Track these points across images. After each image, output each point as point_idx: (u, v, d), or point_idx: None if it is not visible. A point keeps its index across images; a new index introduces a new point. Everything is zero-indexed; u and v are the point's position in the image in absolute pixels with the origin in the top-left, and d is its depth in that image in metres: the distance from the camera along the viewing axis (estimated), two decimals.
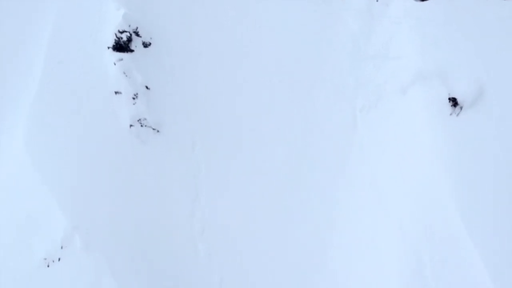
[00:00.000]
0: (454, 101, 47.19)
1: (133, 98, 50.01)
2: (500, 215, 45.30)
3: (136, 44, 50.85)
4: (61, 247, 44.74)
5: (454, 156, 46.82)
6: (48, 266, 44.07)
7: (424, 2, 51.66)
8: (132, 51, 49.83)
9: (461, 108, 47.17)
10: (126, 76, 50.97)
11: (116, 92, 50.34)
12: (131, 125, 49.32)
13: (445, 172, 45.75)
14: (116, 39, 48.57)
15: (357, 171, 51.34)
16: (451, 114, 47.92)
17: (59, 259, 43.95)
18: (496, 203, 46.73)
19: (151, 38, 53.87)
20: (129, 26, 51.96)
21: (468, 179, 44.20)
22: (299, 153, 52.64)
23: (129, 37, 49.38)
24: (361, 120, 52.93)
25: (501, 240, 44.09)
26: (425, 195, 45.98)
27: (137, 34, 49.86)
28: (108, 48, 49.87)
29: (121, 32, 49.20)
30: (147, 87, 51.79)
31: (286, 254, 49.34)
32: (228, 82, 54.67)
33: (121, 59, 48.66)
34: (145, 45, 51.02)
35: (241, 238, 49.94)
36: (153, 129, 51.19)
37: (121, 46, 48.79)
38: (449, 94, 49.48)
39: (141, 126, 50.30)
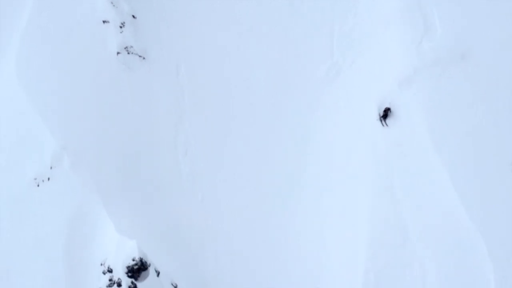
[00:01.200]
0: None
1: (120, 27, 51.00)
2: (468, 137, 46.61)
3: None
4: (51, 167, 46.20)
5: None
6: (38, 185, 45.61)
7: None
8: None
9: None
10: (114, 6, 51.83)
11: (104, 21, 51.26)
12: (118, 53, 50.42)
13: (417, 94, 46.91)
14: None
15: (332, 96, 52.35)
16: None
17: (48, 179, 45.45)
18: (465, 126, 48.09)
19: None
20: None
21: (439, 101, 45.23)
22: (279, 76, 53.48)
23: None
24: (337, 44, 53.84)
25: (467, 157, 45.46)
26: (398, 117, 47.22)
27: None
28: None
29: None
30: (133, 16, 52.66)
31: (267, 172, 50.66)
32: (212, 12, 55.27)
33: None
34: None
35: (223, 158, 51.27)
36: (139, 56, 52.27)
37: None
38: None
39: (128, 53, 51.38)
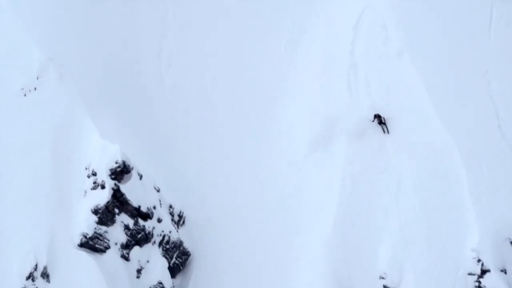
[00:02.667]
0: None
1: None
2: (443, 47, 46.85)
3: None
4: (37, 78, 46.32)
5: None
6: (25, 95, 45.69)
7: None
8: None
9: None
10: None
11: None
12: None
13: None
14: None
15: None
16: None
17: (35, 89, 45.53)
18: (440, 37, 48.30)
19: None
20: None
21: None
22: None
23: None
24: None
25: (443, 67, 45.85)
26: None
27: None
28: None
29: None
30: None
31: (248, 84, 50.97)
32: None
33: None
34: None
35: (205, 72, 51.50)
36: None
37: None
38: None
39: None
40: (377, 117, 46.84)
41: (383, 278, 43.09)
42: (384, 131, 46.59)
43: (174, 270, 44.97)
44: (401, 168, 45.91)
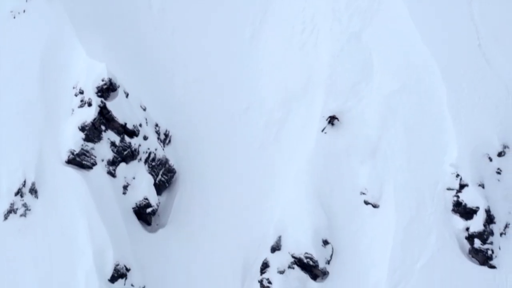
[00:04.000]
0: None
1: None
2: None
3: None
4: (26, 0, 45.92)
5: None
6: (14, 17, 45.34)
7: None
8: None
9: None
10: None
11: None
12: None
13: None
14: None
15: None
16: None
17: (24, 11, 45.14)
18: None
19: None
20: None
21: None
22: None
23: None
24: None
25: None
26: None
27: None
28: None
29: None
30: None
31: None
32: None
33: None
34: None
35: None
36: None
37: None
38: None
39: None
40: (331, 118, 45.70)
41: (363, 193, 43.13)
42: (323, 130, 45.53)
43: (160, 187, 45.07)
44: (383, 87, 45.26)
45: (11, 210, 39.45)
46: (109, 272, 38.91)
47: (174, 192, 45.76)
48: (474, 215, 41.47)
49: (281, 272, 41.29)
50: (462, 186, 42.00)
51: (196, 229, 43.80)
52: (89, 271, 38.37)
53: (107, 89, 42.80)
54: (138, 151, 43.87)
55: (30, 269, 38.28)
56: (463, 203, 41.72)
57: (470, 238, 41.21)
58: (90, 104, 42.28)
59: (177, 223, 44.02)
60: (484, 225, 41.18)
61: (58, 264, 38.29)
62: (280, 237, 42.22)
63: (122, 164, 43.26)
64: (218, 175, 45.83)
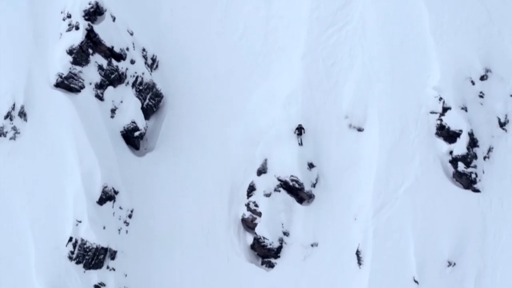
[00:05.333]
0: None
1: None
2: None
3: None
4: None
5: None
6: None
7: None
8: None
9: None
10: None
11: None
12: None
13: None
14: None
15: None
16: None
17: None
18: None
19: None
20: None
21: None
22: None
23: None
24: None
25: None
26: None
27: None
28: None
29: None
30: None
31: None
32: None
33: None
34: None
35: None
36: None
37: None
38: None
39: None
40: (298, 129, 43.76)
41: (348, 117, 42.75)
42: (299, 143, 43.52)
43: (147, 112, 44.62)
44: (366, 9, 44.68)
45: (1, 133, 39.05)
46: (97, 194, 38.70)
47: (161, 117, 45.32)
48: (458, 139, 41.27)
49: (268, 195, 41.06)
50: (445, 109, 41.68)
51: (184, 153, 43.48)
52: (78, 193, 38.09)
53: (94, 13, 42.19)
54: (126, 74, 43.28)
55: (20, 190, 37.96)
56: (446, 126, 41.46)
57: (454, 161, 41.00)
58: (77, 28, 41.71)
59: (165, 147, 43.69)
60: (468, 148, 40.95)
61: (47, 185, 38.04)
62: (266, 160, 42.11)
63: (110, 88, 42.73)
64: (205, 100, 45.40)
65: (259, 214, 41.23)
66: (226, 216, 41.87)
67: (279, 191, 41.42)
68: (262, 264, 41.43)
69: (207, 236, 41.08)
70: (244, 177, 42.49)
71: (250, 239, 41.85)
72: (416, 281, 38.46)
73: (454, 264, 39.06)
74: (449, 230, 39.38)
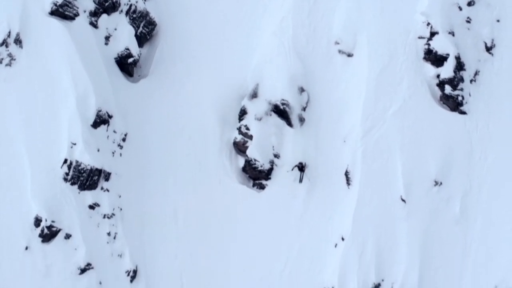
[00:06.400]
0: None
1: None
2: None
3: None
4: None
5: None
6: None
7: None
8: None
9: None
10: None
11: None
12: None
13: None
14: None
15: None
16: None
17: None
18: None
19: None
20: None
21: None
22: None
23: None
24: None
25: None
26: None
27: None
28: None
29: None
30: None
31: None
32: None
33: None
34: None
35: None
36: None
37: None
38: None
39: None
40: (299, 166, 42.24)
41: (338, 43, 42.49)
42: (300, 180, 42.03)
43: (141, 40, 44.16)
44: None
45: None
46: (91, 118, 38.55)
47: (155, 45, 44.92)
48: (445, 62, 41.00)
49: (259, 119, 40.96)
50: (432, 34, 41.38)
51: (177, 80, 43.16)
52: (72, 116, 37.90)
53: None
54: (119, 2, 42.88)
55: (16, 115, 37.91)
56: (434, 50, 41.25)
57: (441, 84, 40.86)
58: None
59: (159, 74, 43.37)
60: (455, 72, 40.77)
61: (42, 110, 37.91)
62: (257, 84, 41.81)
63: (104, 16, 42.25)
64: (198, 28, 44.90)
65: (251, 137, 41.05)
66: (218, 140, 41.79)
67: (270, 115, 41.31)
68: (253, 186, 41.35)
69: (200, 160, 41.00)
70: (236, 102, 42.07)
71: (241, 162, 41.66)
72: (403, 200, 38.35)
73: (441, 183, 38.87)
74: (436, 151, 39.26)
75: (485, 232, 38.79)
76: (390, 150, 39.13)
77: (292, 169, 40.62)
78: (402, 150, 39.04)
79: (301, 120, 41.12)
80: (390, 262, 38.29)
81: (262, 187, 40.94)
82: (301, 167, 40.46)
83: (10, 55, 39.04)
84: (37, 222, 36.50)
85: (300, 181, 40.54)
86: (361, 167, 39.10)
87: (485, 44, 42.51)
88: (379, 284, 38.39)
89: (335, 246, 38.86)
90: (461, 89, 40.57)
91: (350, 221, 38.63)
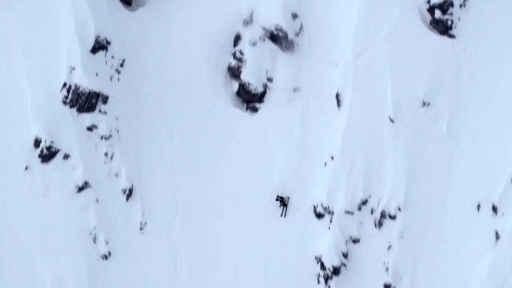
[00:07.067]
0: None
1: None
2: None
3: None
4: None
5: None
6: None
7: None
8: None
9: None
10: None
11: None
12: None
13: None
14: None
15: None
16: None
17: None
18: None
19: None
20: None
21: None
22: None
23: None
24: None
25: None
26: None
27: None
28: None
29: None
30: None
31: None
32: None
33: None
34: None
35: None
36: None
37: None
38: None
39: None
40: (280, 199, 41.30)
41: None
42: (282, 214, 41.27)
43: None
44: None
45: None
46: (90, 43, 38.91)
47: None
48: None
49: (253, 44, 41.20)
50: None
51: (174, 8, 43.25)
52: (71, 42, 38.29)
53: None
54: None
55: (17, 41, 38.90)
56: None
57: (431, 9, 40.79)
58: None
59: (156, 3, 43.34)
60: None
61: (42, 37, 38.30)
62: (252, 11, 41.99)
63: None
64: None
65: (245, 62, 41.17)
66: (214, 65, 42.11)
67: (264, 40, 41.43)
68: (247, 109, 41.66)
69: (195, 84, 41.35)
70: (231, 28, 42.29)
71: (235, 86, 41.96)
72: (391, 120, 38.64)
73: (429, 104, 39.11)
74: (424, 73, 39.40)
75: (470, 151, 38.96)
76: (380, 73, 39.28)
77: (276, 200, 40.52)
78: (391, 73, 39.20)
79: (294, 45, 41.08)
80: (377, 180, 38.72)
81: (255, 110, 41.23)
82: (283, 201, 40.39)
83: None
84: (37, 143, 37.07)
85: (283, 215, 40.57)
86: (351, 90, 39.37)
87: None
88: (366, 200, 38.77)
89: (325, 164, 39.16)
90: (451, 14, 40.49)
91: (339, 140, 39.02)
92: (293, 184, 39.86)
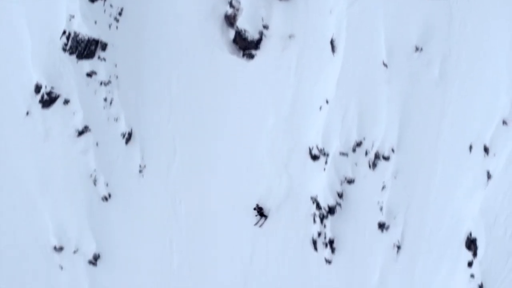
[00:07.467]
0: None
1: None
2: None
3: None
4: None
5: None
6: None
7: None
8: None
9: None
10: None
11: None
12: None
13: None
14: None
15: None
16: None
17: None
18: None
19: None
20: None
21: None
22: None
23: None
24: None
25: None
26: None
27: None
28: None
29: None
30: None
31: None
32: None
33: None
34: None
35: None
36: None
37: None
38: None
39: None
40: (258, 209, 41.12)
41: None
42: (258, 223, 41.07)
43: None
44: None
45: None
46: None
47: None
48: None
49: None
50: None
51: None
52: None
53: None
54: None
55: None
56: None
57: None
58: None
59: None
60: None
61: None
62: None
63: None
64: None
65: (241, 10, 41.46)
66: (210, 14, 42.16)
67: None
68: (243, 56, 41.88)
69: (192, 32, 41.61)
70: None
71: (232, 34, 42.15)
72: (385, 65, 38.93)
73: (421, 49, 39.33)
74: (417, 19, 39.43)
75: (462, 94, 39.22)
76: (374, 19, 39.35)
77: (254, 209, 40.62)
78: (385, 19, 39.28)
79: None
80: (371, 122, 39.08)
81: (251, 56, 41.46)
82: (261, 212, 40.50)
83: None
84: (37, 88, 37.40)
85: (258, 225, 40.73)
86: (346, 35, 39.48)
87: None
88: (360, 142, 39.23)
89: (320, 108, 39.57)
90: None
91: (334, 85, 39.23)
92: (289, 127, 39.85)
